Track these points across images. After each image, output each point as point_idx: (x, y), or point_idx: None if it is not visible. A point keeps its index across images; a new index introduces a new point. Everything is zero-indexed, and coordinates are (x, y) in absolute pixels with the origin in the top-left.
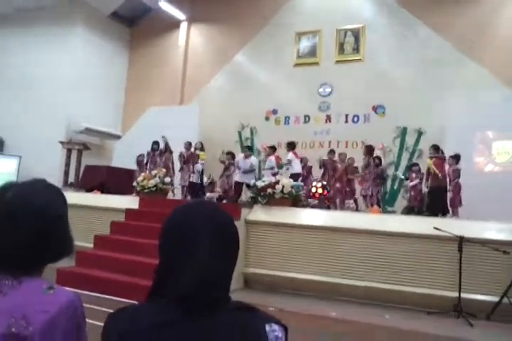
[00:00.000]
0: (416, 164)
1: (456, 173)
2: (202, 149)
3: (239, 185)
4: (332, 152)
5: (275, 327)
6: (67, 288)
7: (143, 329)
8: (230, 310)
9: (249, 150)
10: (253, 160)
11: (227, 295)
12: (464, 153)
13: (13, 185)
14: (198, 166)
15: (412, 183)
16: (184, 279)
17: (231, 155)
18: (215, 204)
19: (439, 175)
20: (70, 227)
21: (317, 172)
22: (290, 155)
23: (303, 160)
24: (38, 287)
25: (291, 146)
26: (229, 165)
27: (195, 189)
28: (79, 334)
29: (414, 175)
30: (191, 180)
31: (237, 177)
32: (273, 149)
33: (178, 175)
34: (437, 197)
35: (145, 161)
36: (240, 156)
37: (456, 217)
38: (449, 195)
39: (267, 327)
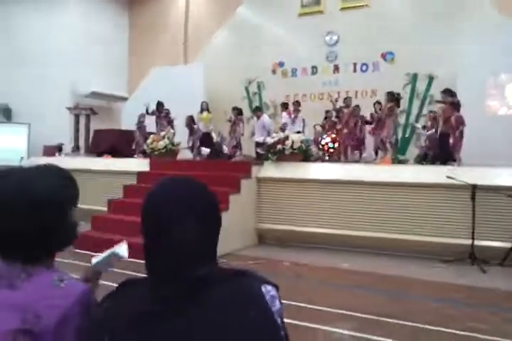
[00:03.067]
0: (433, 111)
1: (460, 120)
2: (207, 109)
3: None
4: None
5: (269, 287)
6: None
7: (131, 320)
8: (222, 281)
9: (258, 110)
10: (265, 118)
11: (212, 269)
12: (477, 96)
13: (15, 170)
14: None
15: (429, 132)
16: (163, 261)
17: (237, 111)
18: (189, 180)
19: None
20: (74, 214)
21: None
22: (285, 116)
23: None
24: (49, 279)
25: (284, 106)
26: (236, 122)
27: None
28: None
29: (430, 123)
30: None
31: (256, 138)
32: (284, 106)
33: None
34: (444, 144)
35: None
36: (253, 119)
37: (459, 163)
38: (452, 141)
39: (263, 289)
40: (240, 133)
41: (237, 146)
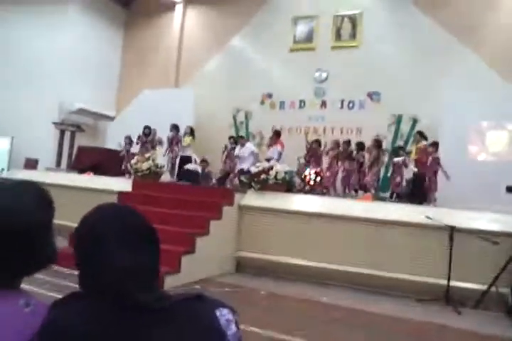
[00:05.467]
0: (401, 147)
1: (436, 161)
2: (192, 134)
3: None
4: (317, 142)
5: (224, 311)
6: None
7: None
8: (173, 305)
9: (242, 138)
10: (249, 146)
11: (157, 294)
12: (458, 141)
13: None
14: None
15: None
16: (103, 286)
17: (233, 139)
18: (125, 207)
19: (422, 162)
20: (51, 235)
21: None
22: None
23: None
24: (15, 303)
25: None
26: (230, 150)
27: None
28: None
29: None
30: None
31: (240, 166)
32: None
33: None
34: (418, 185)
35: (129, 145)
36: (237, 147)
37: (433, 203)
38: (428, 181)
39: (217, 312)
40: (234, 163)
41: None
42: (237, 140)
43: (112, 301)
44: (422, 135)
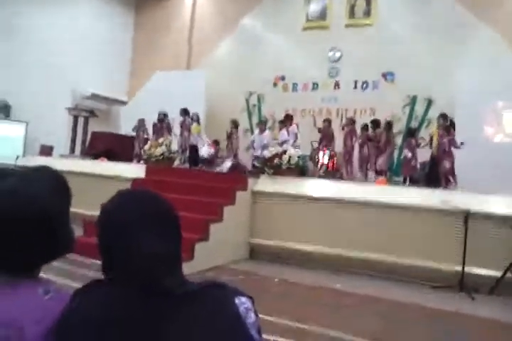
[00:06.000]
0: (415, 129)
1: (453, 143)
2: (198, 121)
3: None
4: (328, 121)
5: (243, 299)
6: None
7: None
8: (192, 292)
9: (263, 124)
10: (267, 134)
11: (179, 280)
12: (474, 123)
13: (9, 172)
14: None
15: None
16: (130, 272)
17: (233, 123)
18: (146, 192)
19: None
20: (67, 223)
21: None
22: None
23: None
24: (34, 291)
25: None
26: (230, 134)
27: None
28: None
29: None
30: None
31: (255, 152)
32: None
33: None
34: (434, 168)
35: (142, 128)
36: (255, 132)
37: (452, 187)
38: (444, 164)
39: (237, 300)
40: (237, 146)
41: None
42: (236, 123)
43: (136, 287)
44: (445, 118)
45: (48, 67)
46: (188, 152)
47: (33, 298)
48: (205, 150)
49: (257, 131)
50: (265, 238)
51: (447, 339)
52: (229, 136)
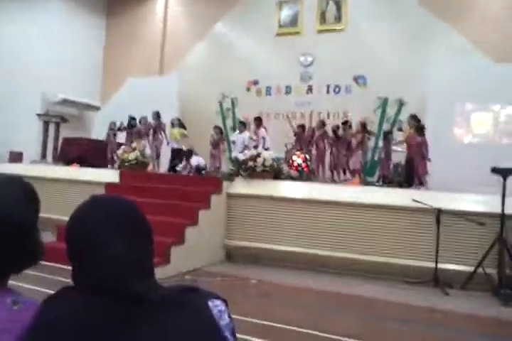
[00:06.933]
0: (390, 132)
1: (422, 145)
2: (181, 125)
3: None
4: (302, 127)
5: (217, 302)
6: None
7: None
8: (164, 296)
9: (243, 125)
10: (247, 135)
11: (150, 284)
12: (444, 123)
13: None
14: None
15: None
16: (99, 277)
17: (219, 129)
18: (115, 198)
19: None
20: (37, 232)
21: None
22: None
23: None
24: (1, 302)
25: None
26: (218, 141)
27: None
28: None
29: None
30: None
31: (234, 153)
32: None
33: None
34: (410, 168)
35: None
36: (235, 132)
37: (423, 187)
38: (416, 164)
39: (210, 303)
40: (222, 153)
41: (220, 167)
42: (222, 129)
43: (106, 292)
44: (415, 119)
45: (18, 74)
46: (170, 157)
47: (1, 308)
48: (197, 160)
49: (237, 131)
50: (241, 240)
51: (423, 333)
52: (216, 144)
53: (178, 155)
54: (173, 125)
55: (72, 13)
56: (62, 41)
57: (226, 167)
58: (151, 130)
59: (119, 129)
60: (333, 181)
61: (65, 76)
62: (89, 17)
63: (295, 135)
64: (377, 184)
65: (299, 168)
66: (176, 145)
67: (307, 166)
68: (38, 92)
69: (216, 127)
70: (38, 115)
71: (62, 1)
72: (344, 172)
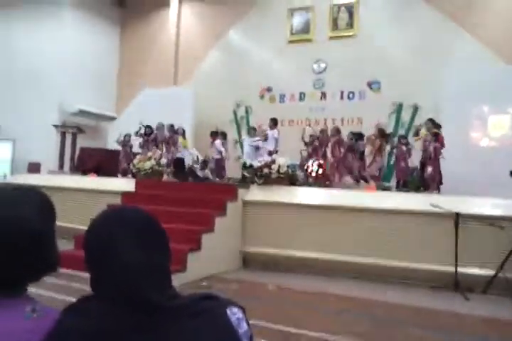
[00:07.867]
0: (404, 137)
1: (438, 151)
2: (183, 135)
3: None
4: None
5: (234, 309)
6: (53, 309)
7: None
8: (183, 305)
9: (253, 130)
10: (260, 142)
11: (167, 293)
12: (459, 127)
13: None
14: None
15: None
16: (116, 286)
17: (222, 135)
18: (130, 207)
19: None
20: (54, 242)
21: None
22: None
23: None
24: (21, 310)
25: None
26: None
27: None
28: None
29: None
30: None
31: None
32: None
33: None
34: (423, 173)
35: (130, 143)
36: (245, 138)
37: (436, 192)
38: (430, 169)
39: (228, 311)
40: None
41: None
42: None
43: (124, 301)
44: (433, 122)
45: (34, 84)
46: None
47: (20, 316)
48: (190, 158)
49: (246, 137)
50: (257, 246)
51: (445, 339)
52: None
53: (179, 164)
54: (177, 134)
55: (89, 25)
56: (77, 52)
57: (231, 173)
58: (166, 142)
59: (137, 135)
60: (348, 187)
61: (81, 87)
62: (103, 28)
63: (305, 145)
64: (397, 189)
65: (316, 174)
66: (180, 154)
67: (323, 172)
68: (55, 103)
69: (220, 133)
70: (55, 126)
71: (77, 12)
72: (359, 179)
